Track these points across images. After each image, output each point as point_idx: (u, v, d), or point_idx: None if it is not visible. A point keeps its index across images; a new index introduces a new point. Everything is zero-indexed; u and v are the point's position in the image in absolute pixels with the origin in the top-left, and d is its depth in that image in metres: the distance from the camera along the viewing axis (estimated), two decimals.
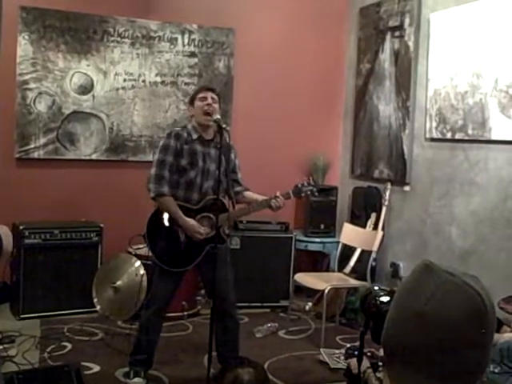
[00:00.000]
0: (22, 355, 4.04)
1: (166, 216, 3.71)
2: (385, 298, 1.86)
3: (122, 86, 5.52)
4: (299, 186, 3.80)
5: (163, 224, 3.72)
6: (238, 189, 3.88)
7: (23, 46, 5.18)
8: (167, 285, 3.77)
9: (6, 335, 4.32)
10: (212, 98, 3.71)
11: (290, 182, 4.12)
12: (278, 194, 3.71)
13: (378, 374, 2.22)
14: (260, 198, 3.83)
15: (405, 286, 1.24)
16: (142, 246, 4.82)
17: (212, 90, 3.81)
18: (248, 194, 3.91)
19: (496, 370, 3.00)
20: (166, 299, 3.79)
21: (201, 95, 3.73)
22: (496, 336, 3.27)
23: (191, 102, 3.80)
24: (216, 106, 3.72)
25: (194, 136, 3.72)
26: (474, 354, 1.14)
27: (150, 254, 3.78)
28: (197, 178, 3.70)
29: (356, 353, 2.23)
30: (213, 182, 3.71)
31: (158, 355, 3.88)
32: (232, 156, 3.83)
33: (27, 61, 5.20)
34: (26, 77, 5.21)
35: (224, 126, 3.51)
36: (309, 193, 3.83)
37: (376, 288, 1.94)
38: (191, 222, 3.67)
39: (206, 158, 3.73)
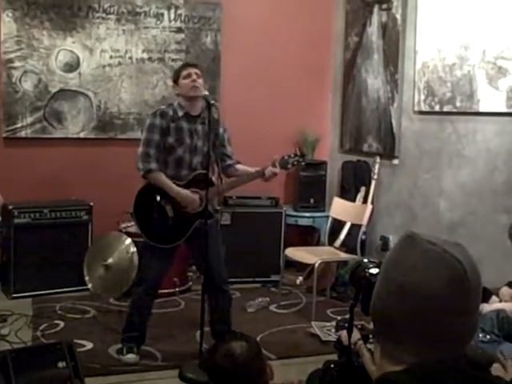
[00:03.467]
0: (15, 334, 4.06)
1: (152, 193, 3.69)
2: (374, 270, 1.87)
3: (109, 63, 5.46)
4: (286, 157, 3.79)
5: (150, 201, 3.71)
6: (228, 162, 3.88)
7: (7, 24, 5.11)
8: (159, 262, 3.78)
9: None
10: (196, 74, 3.71)
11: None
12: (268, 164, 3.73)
13: (369, 346, 2.25)
14: (252, 170, 3.84)
15: (389, 257, 1.24)
16: (130, 224, 4.84)
17: (195, 66, 3.81)
18: (239, 166, 3.92)
19: (485, 339, 3.05)
20: (157, 277, 3.80)
21: (185, 73, 3.72)
22: (485, 306, 3.31)
23: (175, 80, 3.78)
24: (201, 80, 3.72)
25: (180, 113, 3.72)
26: (458, 321, 1.15)
27: (139, 231, 3.78)
28: (185, 154, 3.71)
29: (346, 325, 2.25)
30: (201, 158, 3.73)
31: (150, 331, 3.91)
32: (221, 130, 3.82)
33: (11, 39, 5.14)
34: (11, 55, 5.15)
35: (212, 102, 3.51)
36: (295, 163, 3.82)
37: (365, 260, 1.96)
38: (184, 192, 3.67)
39: (193, 135, 3.73)
